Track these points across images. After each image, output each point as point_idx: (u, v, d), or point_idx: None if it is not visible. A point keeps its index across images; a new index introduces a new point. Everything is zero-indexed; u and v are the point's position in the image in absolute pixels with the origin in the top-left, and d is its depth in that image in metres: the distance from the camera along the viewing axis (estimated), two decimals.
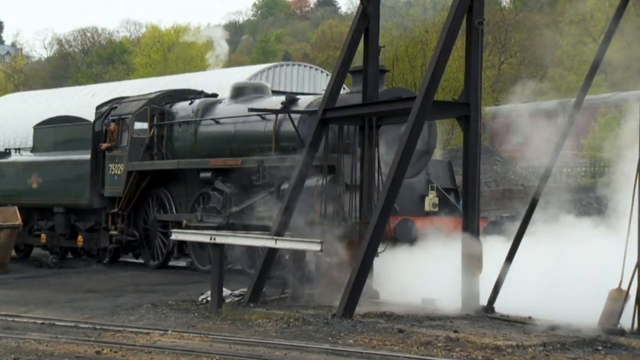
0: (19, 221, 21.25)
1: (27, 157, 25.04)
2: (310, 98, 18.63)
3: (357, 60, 15.63)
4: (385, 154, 14.82)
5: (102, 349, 10.16)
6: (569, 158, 29.99)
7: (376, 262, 13.89)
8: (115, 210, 21.45)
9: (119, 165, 21.45)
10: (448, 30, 13.20)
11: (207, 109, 20.29)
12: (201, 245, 18.97)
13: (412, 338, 10.83)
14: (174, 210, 20.56)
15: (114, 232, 21.51)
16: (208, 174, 19.34)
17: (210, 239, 14.16)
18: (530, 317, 12.47)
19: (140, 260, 21.93)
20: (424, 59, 37.60)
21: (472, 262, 13.04)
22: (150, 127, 21.16)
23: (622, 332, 11.41)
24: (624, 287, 11.71)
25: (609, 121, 32.44)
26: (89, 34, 79.87)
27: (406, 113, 13.25)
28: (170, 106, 21.19)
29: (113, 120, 21.75)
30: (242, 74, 31.92)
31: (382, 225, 13.02)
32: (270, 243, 13.85)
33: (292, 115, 17.72)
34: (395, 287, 14.23)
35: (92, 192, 21.98)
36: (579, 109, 13.51)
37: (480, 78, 13.57)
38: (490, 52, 45.15)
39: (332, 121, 15.08)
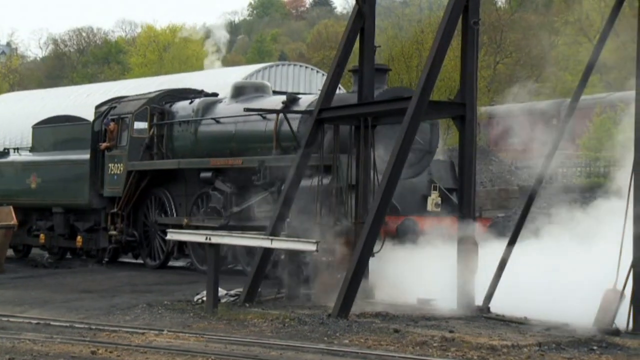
0: (14, 221, 21.20)
1: (26, 156, 24.98)
2: (311, 97, 18.57)
3: (353, 60, 15.63)
4: (384, 154, 14.78)
5: (98, 349, 10.15)
6: (566, 158, 30.00)
7: (372, 261, 13.89)
8: (115, 210, 21.40)
9: (119, 165, 21.41)
10: (444, 30, 13.20)
11: (208, 108, 20.25)
12: (201, 245, 18.96)
13: (407, 338, 10.83)
14: (174, 210, 20.51)
15: (114, 232, 21.44)
16: (208, 174, 19.30)
17: (206, 239, 14.16)
18: (525, 317, 12.47)
19: (140, 261, 21.88)
20: (420, 59, 37.60)
21: (468, 262, 13.04)
22: (150, 126, 21.11)
23: (617, 332, 11.43)
24: (619, 287, 11.72)
25: (604, 121, 32.46)
26: (84, 34, 79.77)
27: (402, 113, 13.26)
28: (170, 105, 21.15)
29: (112, 120, 21.70)
30: (238, 74, 31.86)
31: (377, 225, 13.02)
32: (265, 243, 13.85)
33: (295, 114, 17.69)
34: (392, 287, 14.22)
35: (92, 192, 21.93)
36: (572, 114, 13.51)
37: (476, 78, 13.57)
38: (485, 52, 45.14)
39: (328, 121, 15.07)
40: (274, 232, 14.33)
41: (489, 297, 13.16)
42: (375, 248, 13.72)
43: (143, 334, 11.35)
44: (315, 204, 14.97)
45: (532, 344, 10.45)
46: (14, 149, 26.59)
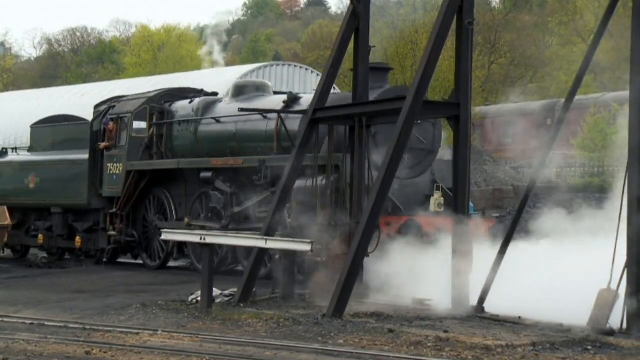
0: (8, 221, 21.13)
1: (25, 156, 24.87)
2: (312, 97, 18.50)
3: (348, 61, 15.63)
4: (381, 154, 14.73)
5: (92, 349, 10.14)
6: (561, 159, 30.04)
7: (367, 261, 13.88)
8: (114, 210, 21.29)
9: (118, 164, 21.32)
10: (438, 31, 13.21)
11: (208, 107, 20.16)
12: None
13: (402, 338, 10.83)
14: (173, 210, 20.44)
15: (113, 233, 21.31)
16: (208, 174, 19.20)
17: (200, 239, 14.14)
18: (520, 317, 12.48)
19: (139, 261, 21.78)
20: (414, 59, 37.68)
21: (462, 262, 13.05)
22: (150, 126, 21.00)
23: (612, 332, 11.44)
24: (614, 286, 11.73)
25: (598, 121, 32.51)
26: (78, 34, 79.74)
27: (396, 113, 13.26)
28: (170, 105, 21.05)
29: (111, 119, 21.60)
30: (232, 73, 31.83)
31: (372, 225, 13.02)
32: (260, 243, 13.84)
33: (295, 114, 17.63)
34: (386, 287, 14.21)
35: (90, 192, 21.83)
36: (565, 116, 13.53)
37: (470, 78, 13.58)
38: (480, 53, 45.24)
39: (323, 121, 15.07)
40: (269, 232, 14.32)
41: (483, 297, 13.16)
42: (370, 248, 13.72)
43: (137, 334, 11.33)
44: (315, 203, 14.96)
45: (527, 344, 10.46)
46: (13, 148, 26.45)
